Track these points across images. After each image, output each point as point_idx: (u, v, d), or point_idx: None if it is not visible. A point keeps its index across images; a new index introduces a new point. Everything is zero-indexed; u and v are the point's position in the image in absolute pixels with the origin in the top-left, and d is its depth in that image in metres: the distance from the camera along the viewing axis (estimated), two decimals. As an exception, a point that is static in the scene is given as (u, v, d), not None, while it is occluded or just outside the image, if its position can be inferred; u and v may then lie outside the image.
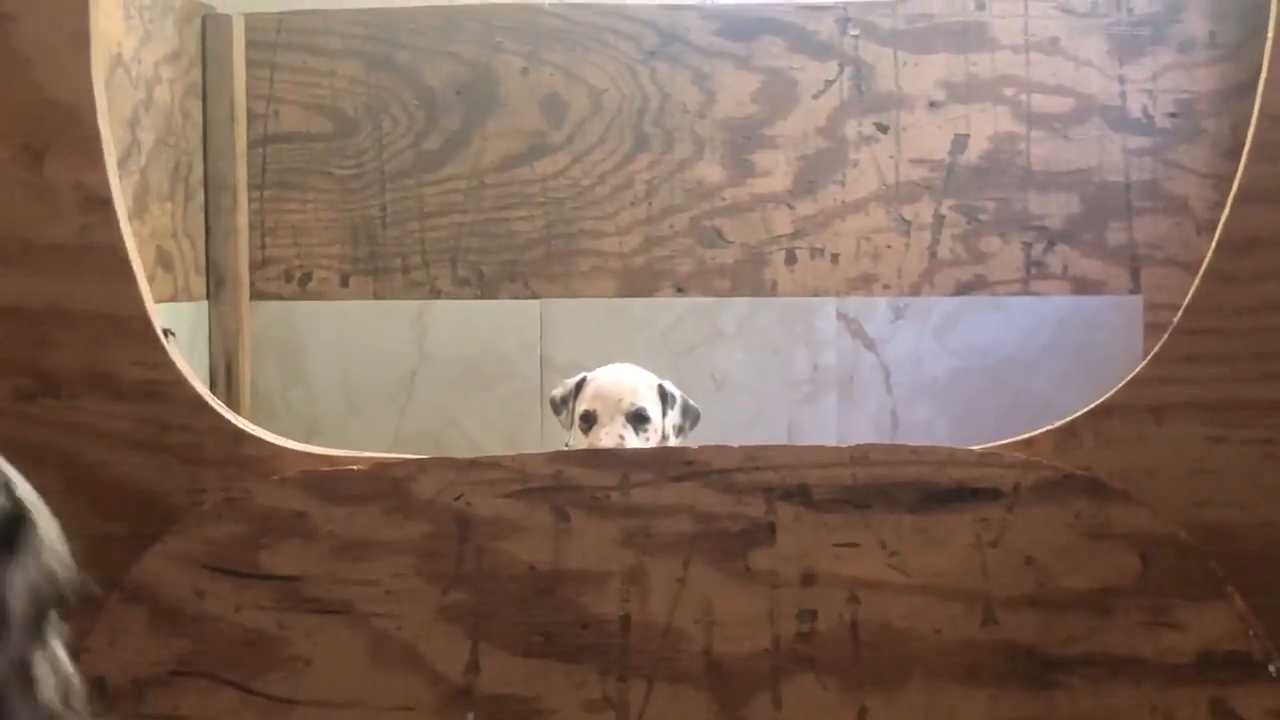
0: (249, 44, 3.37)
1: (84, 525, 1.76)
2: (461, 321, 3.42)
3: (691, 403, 2.87)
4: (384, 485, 1.68)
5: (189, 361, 3.19)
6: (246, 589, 1.66)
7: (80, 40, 1.75)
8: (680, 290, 3.41)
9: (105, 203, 1.77)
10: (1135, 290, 3.30)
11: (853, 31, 3.35)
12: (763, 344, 3.41)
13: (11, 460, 1.80)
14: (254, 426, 1.83)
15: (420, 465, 1.70)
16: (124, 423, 1.79)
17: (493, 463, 1.70)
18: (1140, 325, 3.28)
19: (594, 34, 3.38)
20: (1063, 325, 3.33)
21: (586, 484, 1.68)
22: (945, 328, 3.37)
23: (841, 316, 3.39)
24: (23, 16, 1.76)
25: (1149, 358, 1.77)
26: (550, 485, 1.68)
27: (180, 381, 1.79)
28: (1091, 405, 1.75)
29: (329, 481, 1.69)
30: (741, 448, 1.70)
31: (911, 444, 1.75)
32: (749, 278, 3.39)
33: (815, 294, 3.39)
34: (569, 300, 3.41)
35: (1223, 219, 1.75)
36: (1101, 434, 1.72)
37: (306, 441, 3.41)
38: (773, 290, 3.39)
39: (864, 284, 3.38)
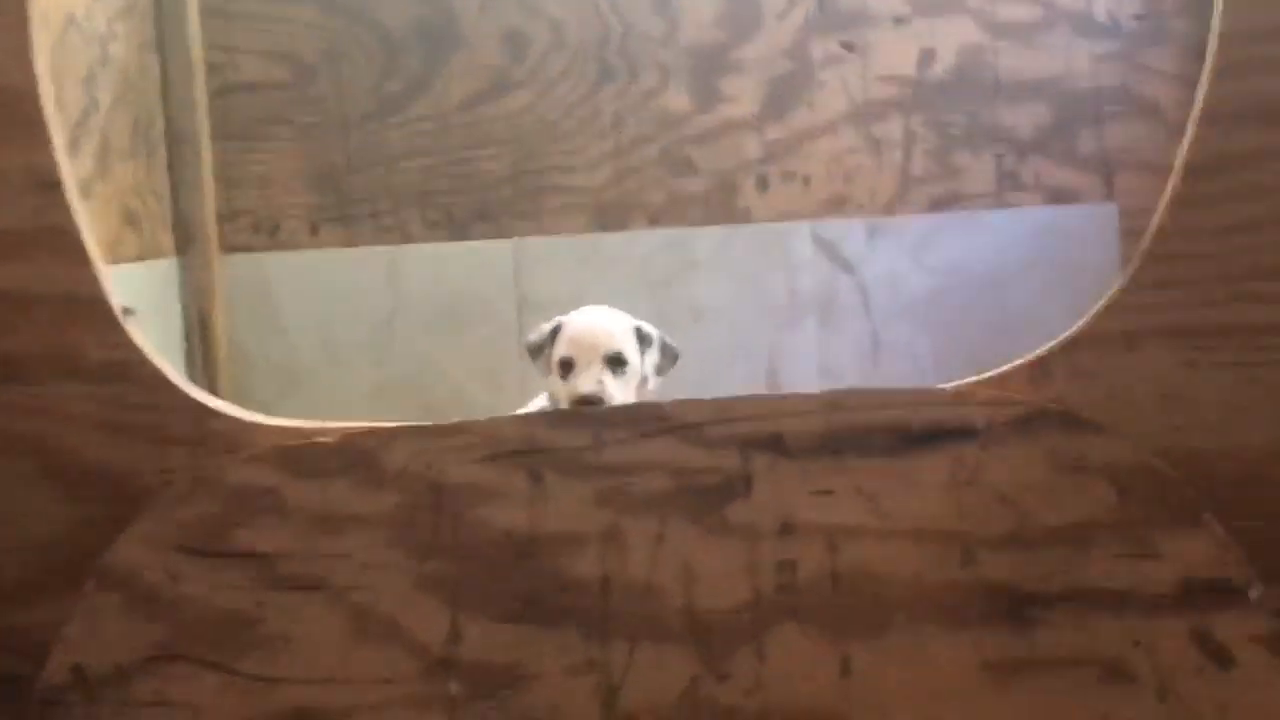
0: (203, -7, 3.32)
1: (58, 510, 1.76)
2: (435, 264, 3.40)
3: (670, 341, 2.84)
4: (354, 457, 1.67)
5: (162, 319, 3.20)
6: (221, 569, 1.65)
7: (19, 21, 1.71)
8: (653, 222, 3.39)
9: (55, 185, 1.74)
10: (1110, 197, 3.29)
11: (813, -48, 3.30)
12: (739, 272, 3.39)
13: (-23, 452, 1.79)
14: (220, 402, 1.81)
15: (390, 434, 1.68)
16: (89, 405, 1.77)
17: (463, 428, 1.69)
18: (1116, 232, 3.26)
19: (552, -35, 3.33)
20: (1039, 237, 3.31)
21: (559, 445, 1.66)
22: (922, 246, 3.36)
23: (817, 240, 3.37)
24: (-43, 1, 1.72)
25: (1118, 286, 1.75)
26: (522, 448, 1.66)
27: (143, 361, 1.77)
28: (1062, 337, 1.74)
29: (299, 456, 1.68)
30: (714, 400, 1.69)
31: (884, 387, 1.74)
32: (722, 206, 3.37)
33: (789, 219, 3.37)
34: (542, 238, 3.39)
35: (1185, 142, 1.72)
36: (1074, 365, 1.71)
37: (286, 394, 3.47)
38: (746, 217, 3.37)
39: (838, 206, 3.36)
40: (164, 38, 3.29)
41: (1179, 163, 1.72)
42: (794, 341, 3.39)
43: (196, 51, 3.30)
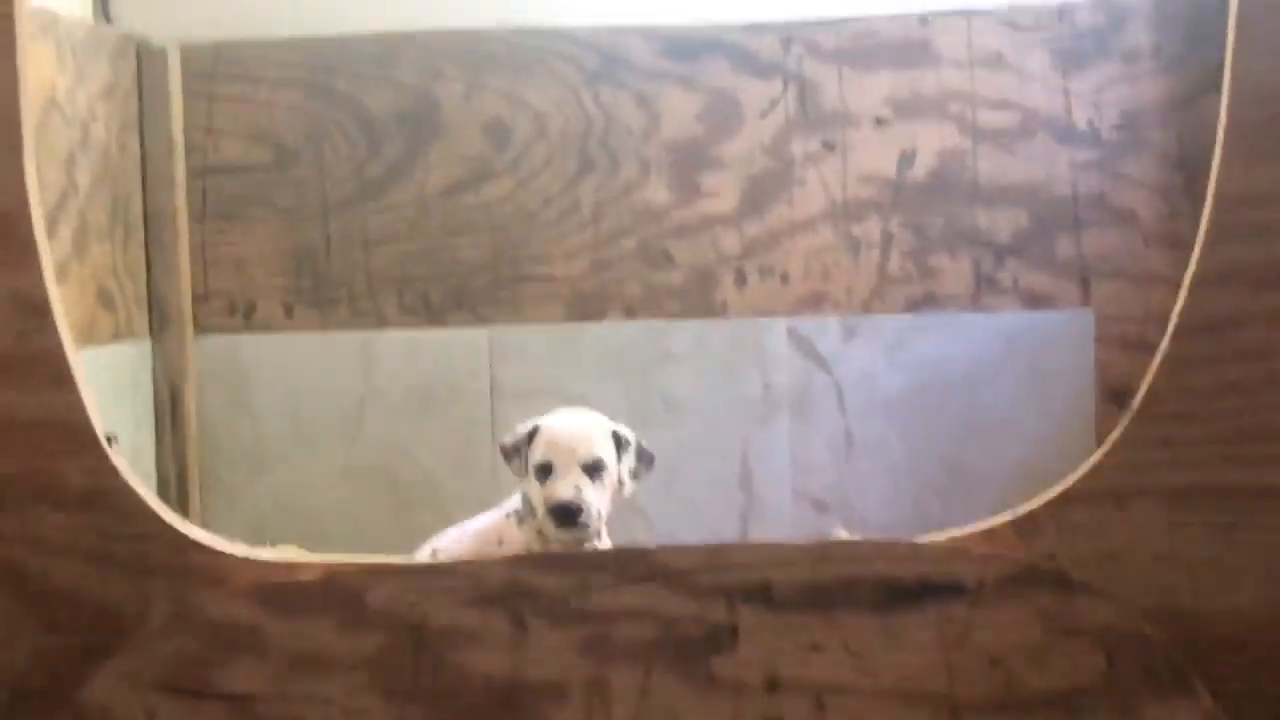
0: (186, 75, 3.29)
1: (31, 638, 1.73)
2: (409, 350, 3.38)
3: (645, 445, 2.83)
4: (337, 595, 1.65)
5: (134, 400, 3.17)
6: (199, 709, 1.62)
7: (13, 145, 1.69)
8: (630, 313, 3.37)
9: (42, 309, 1.72)
10: (1086, 303, 3.30)
11: (796, 50, 3.31)
12: (714, 366, 3.38)
13: (-47, 575, 1.76)
14: (202, 532, 1.78)
15: (373, 573, 1.66)
16: (69, 532, 1.74)
17: (447, 569, 1.67)
18: (1091, 339, 3.28)
19: (536, 57, 3.33)
20: (1014, 340, 3.32)
21: (544, 589, 1.64)
22: (897, 345, 3.35)
23: (793, 336, 3.37)
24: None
25: (1108, 444, 1.75)
26: (507, 592, 1.64)
27: (125, 489, 1.75)
28: (1052, 492, 1.73)
29: (280, 593, 1.65)
30: (702, 546, 1.68)
31: (873, 540, 1.73)
32: (699, 299, 3.37)
33: (766, 314, 3.37)
34: (518, 326, 3.37)
35: (1179, 303, 1.73)
36: (1064, 522, 1.70)
37: (256, 475, 3.44)
38: (723, 311, 3.36)
39: (814, 303, 3.36)
40: (145, 118, 3.27)
41: (1171, 324, 1.72)
42: (768, 437, 3.38)
43: (177, 132, 3.28)
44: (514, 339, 3.38)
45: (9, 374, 1.74)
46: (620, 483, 2.70)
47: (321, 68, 3.33)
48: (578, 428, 2.72)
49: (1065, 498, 1.72)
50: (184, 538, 1.74)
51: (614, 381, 3.31)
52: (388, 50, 3.34)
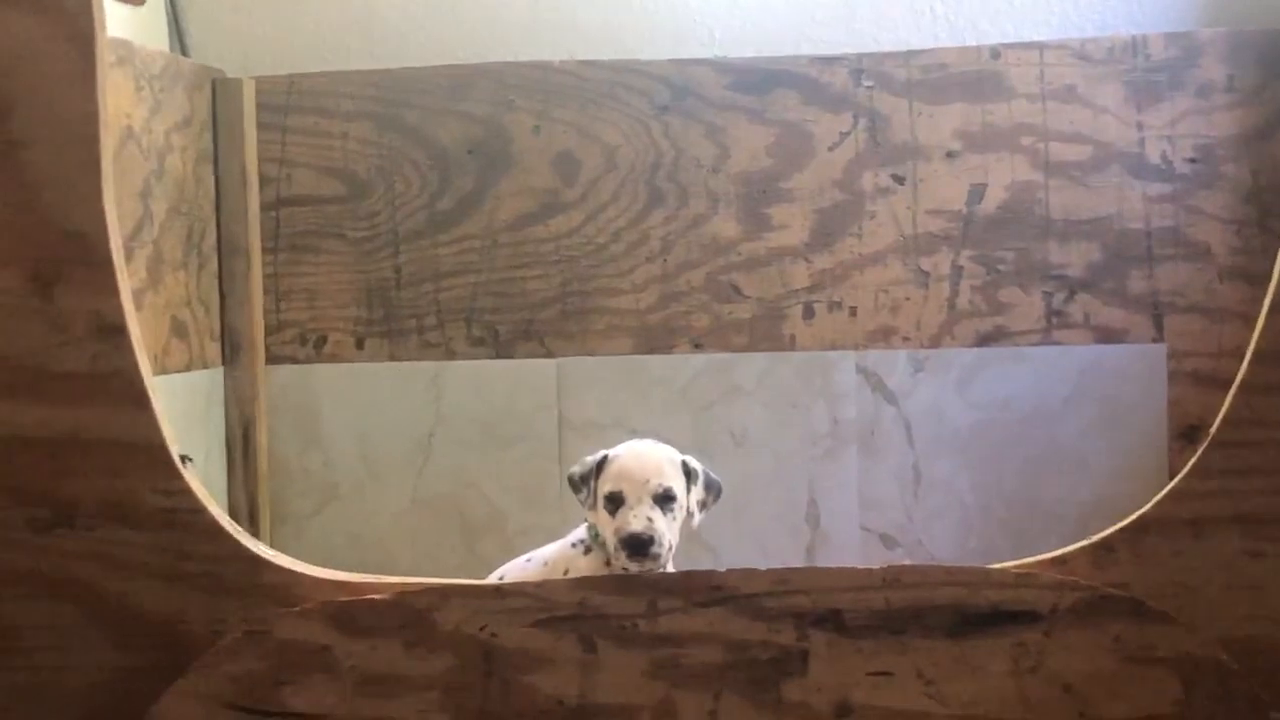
0: (260, 107, 3.34)
1: (103, 658, 1.75)
2: (478, 382, 3.39)
3: (714, 476, 2.82)
4: (407, 615, 1.65)
5: (205, 430, 3.20)
6: (269, 728, 1.62)
7: (91, 167, 1.72)
8: (697, 346, 3.38)
9: (119, 330, 1.74)
10: (1158, 338, 3.27)
11: (867, 83, 3.31)
12: (782, 399, 3.37)
13: (29, 593, 1.78)
14: (274, 553, 1.79)
15: (443, 594, 1.67)
16: (142, 552, 1.76)
17: (516, 590, 1.67)
18: (1164, 374, 3.25)
19: (606, 90, 3.35)
20: (1085, 375, 3.29)
21: (613, 612, 1.64)
22: (966, 380, 3.33)
23: (861, 370, 3.36)
24: (33, 143, 1.73)
25: (1185, 471, 1.73)
26: (576, 614, 1.64)
27: (199, 509, 1.76)
28: (1127, 520, 1.72)
29: (351, 613, 1.66)
30: (771, 571, 1.67)
31: (945, 564, 1.72)
32: (766, 332, 3.36)
33: (834, 348, 3.36)
34: (585, 358, 3.38)
35: (1257, 330, 1.71)
36: (1138, 550, 1.69)
37: (324, 506, 3.47)
38: (791, 345, 3.36)
39: (883, 337, 3.35)
40: (220, 150, 3.32)
41: (1249, 350, 1.71)
42: (834, 471, 3.36)
43: (251, 164, 3.33)
44: (582, 371, 3.39)
45: (86, 394, 1.76)
46: (689, 513, 2.70)
47: (393, 100, 3.37)
48: (648, 458, 2.71)
49: (1140, 525, 1.70)
50: (256, 557, 1.76)
51: (681, 414, 3.31)
52: (458, 82, 3.37)
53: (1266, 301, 1.69)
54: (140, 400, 1.74)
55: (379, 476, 3.40)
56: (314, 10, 3.43)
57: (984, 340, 3.31)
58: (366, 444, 3.40)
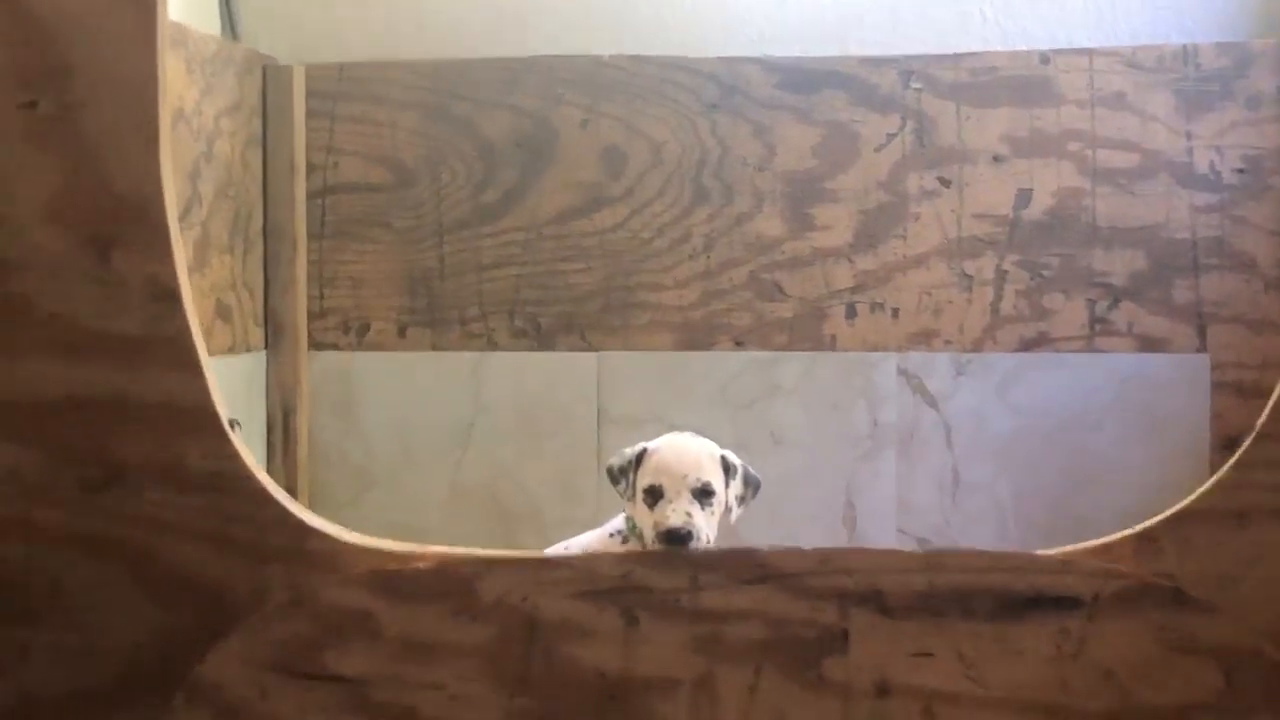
0: (309, 94, 3.37)
1: (148, 618, 1.77)
2: (518, 373, 3.41)
3: (753, 471, 2.82)
4: (450, 584, 1.67)
5: (246, 412, 3.23)
6: (311, 691, 1.64)
7: (150, 132, 1.74)
8: (739, 344, 3.38)
9: (173, 294, 1.76)
10: (1202, 349, 3.26)
11: (915, 85, 3.32)
12: (822, 399, 3.38)
13: (77, 551, 1.80)
14: (319, 519, 1.81)
15: (487, 564, 1.68)
16: (189, 515, 1.78)
17: (561, 562, 1.68)
18: (1207, 384, 3.23)
19: (654, 86, 3.37)
20: (1127, 384, 3.28)
21: (656, 586, 1.65)
22: (1007, 385, 3.33)
23: (902, 372, 3.36)
24: (93, 105, 1.75)
25: (1231, 462, 1.73)
26: (619, 587, 1.65)
27: (246, 474, 1.78)
28: (1172, 510, 1.72)
29: (394, 580, 1.67)
30: (815, 550, 1.68)
31: (989, 549, 1.72)
32: (808, 332, 3.37)
33: (875, 349, 3.36)
34: (626, 353, 3.39)
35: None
36: (1183, 540, 1.69)
37: (363, 493, 3.49)
38: (832, 345, 3.36)
39: (925, 339, 3.35)
40: (269, 135, 3.35)
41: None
42: (873, 472, 3.36)
43: (299, 150, 3.36)
44: (622, 365, 3.40)
45: (139, 357, 1.78)
46: (727, 508, 2.70)
47: (442, 90, 3.39)
48: (688, 452, 2.72)
49: (1185, 515, 1.71)
50: (302, 523, 1.77)
51: (720, 411, 3.31)
52: (508, 75, 3.39)
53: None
54: (192, 365, 1.76)
55: (417, 465, 3.42)
56: (365, -1, 3.47)
57: (1026, 346, 3.31)
58: (406, 432, 3.42)
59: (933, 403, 3.36)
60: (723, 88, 3.35)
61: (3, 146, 1.76)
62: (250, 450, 1.85)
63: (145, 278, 1.76)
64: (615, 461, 2.74)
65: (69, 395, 1.75)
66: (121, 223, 1.76)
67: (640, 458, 2.69)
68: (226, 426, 1.79)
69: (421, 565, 1.67)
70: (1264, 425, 1.71)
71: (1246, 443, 1.72)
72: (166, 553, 1.77)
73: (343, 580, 1.66)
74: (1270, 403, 1.70)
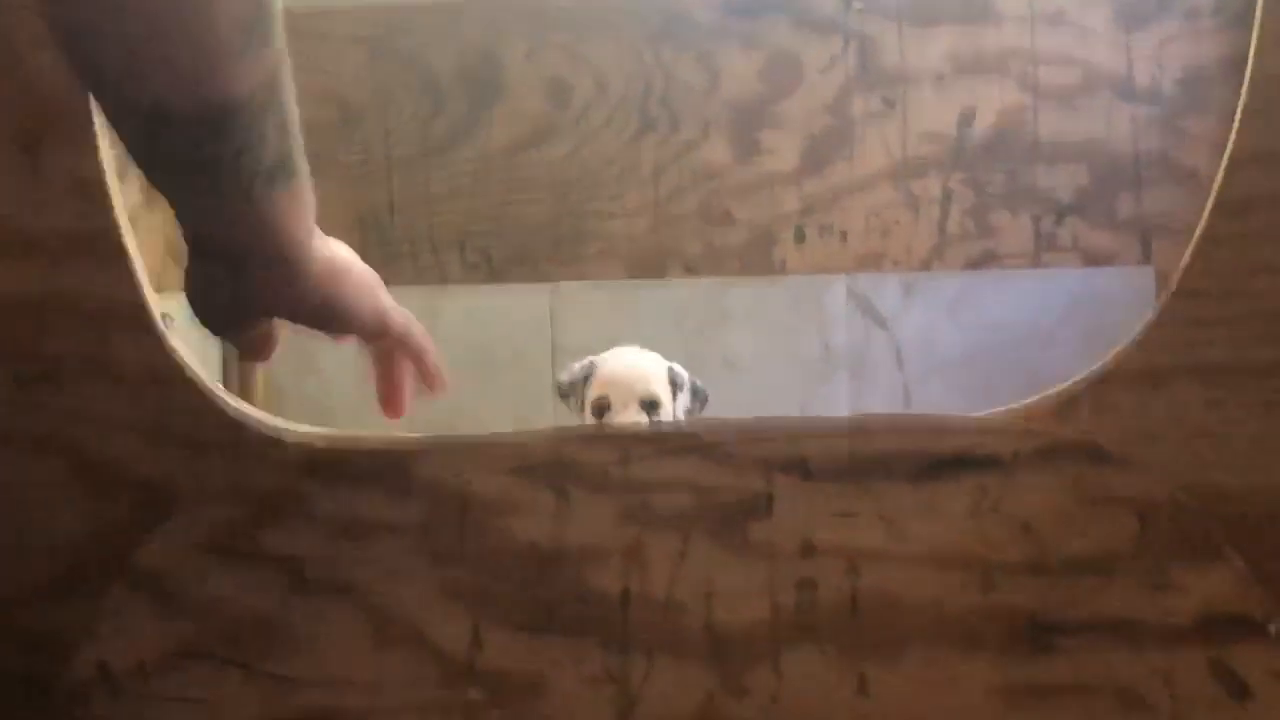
0: (254, 35, 3.38)
1: (87, 511, 1.78)
2: (471, 307, 3.43)
3: (699, 384, 2.87)
4: (385, 465, 1.69)
5: (200, 354, 3.23)
6: (249, 571, 1.67)
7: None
8: (690, 271, 3.41)
9: (99, 188, 1.77)
10: (1146, 261, 3.30)
11: (856, 5, 3.34)
12: (773, 325, 3.42)
13: (14, 449, 1.82)
14: (253, 409, 1.83)
15: (420, 444, 1.71)
16: (124, 409, 1.79)
17: (493, 441, 1.71)
18: (1153, 296, 3.26)
19: (599, 16, 3.39)
20: (1074, 299, 3.32)
21: (586, 460, 1.68)
22: (956, 304, 3.38)
23: (852, 295, 3.40)
24: (17, 9, 1.76)
25: (1144, 325, 1.76)
26: (550, 461, 1.68)
27: (179, 367, 1.79)
28: (1089, 372, 1.75)
29: (329, 463, 1.70)
30: (738, 420, 1.71)
31: (910, 414, 1.75)
32: (758, 257, 3.40)
33: (825, 272, 3.39)
34: (579, 283, 3.42)
35: (1216, 183, 1.74)
36: (1100, 401, 1.71)
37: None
38: (782, 269, 3.40)
39: (874, 261, 3.38)
40: (215, 75, 3.35)
41: (1209, 202, 1.73)
42: (825, 394, 3.40)
43: (246, 90, 3.35)
44: (575, 296, 3.43)
45: (66, 253, 1.79)
46: (675, 420, 2.74)
47: (388, 27, 3.40)
48: (635, 366, 2.76)
49: (1103, 378, 1.73)
50: (237, 413, 1.79)
51: (673, 338, 3.34)
52: (453, 11, 3.40)
53: (1226, 155, 1.72)
54: (120, 259, 1.78)
55: (373, 402, 3.41)
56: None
57: (974, 264, 3.35)
58: (361, 370, 3.42)
59: (882, 324, 3.40)
60: (666, 16, 3.38)
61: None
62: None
63: (70, 173, 1.77)
64: (565, 377, 2.78)
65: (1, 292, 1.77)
66: (46, 122, 1.78)
67: (589, 373, 2.73)
68: (159, 321, 1.80)
69: (356, 448, 1.70)
70: (1177, 286, 1.74)
71: (1160, 305, 1.75)
72: (103, 447, 1.78)
73: (278, 465, 1.69)
74: (1182, 263, 1.74)
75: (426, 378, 1.67)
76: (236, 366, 3.36)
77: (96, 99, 1.34)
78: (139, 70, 1.27)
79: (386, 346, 1.66)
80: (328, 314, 1.50)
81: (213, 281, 1.45)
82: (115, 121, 1.36)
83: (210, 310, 1.48)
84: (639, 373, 2.80)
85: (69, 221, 1.77)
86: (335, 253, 1.50)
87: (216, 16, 1.25)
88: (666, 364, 2.83)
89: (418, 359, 1.67)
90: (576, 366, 2.87)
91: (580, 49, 3.38)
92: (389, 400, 1.68)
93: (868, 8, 3.32)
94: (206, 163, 1.30)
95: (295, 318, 1.50)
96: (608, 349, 2.97)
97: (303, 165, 1.40)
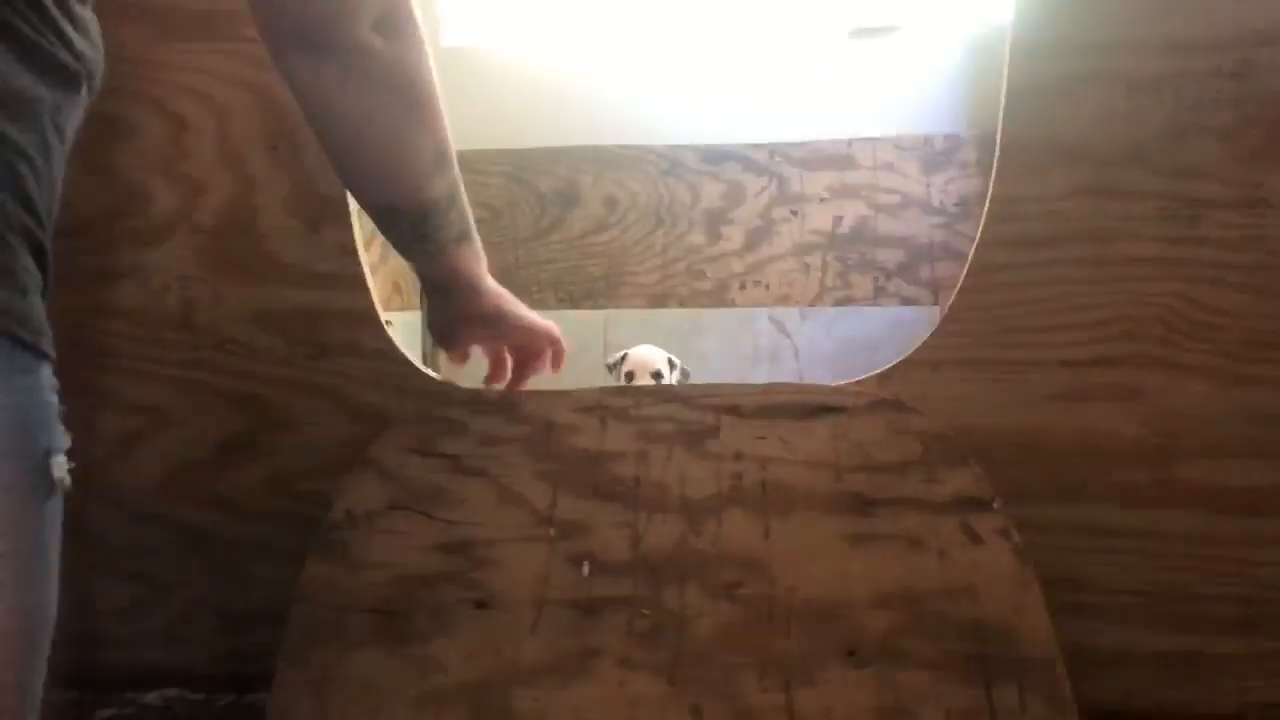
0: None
1: (341, 428, 1.80)
2: (560, 323, 3.41)
3: (686, 368, 2.87)
4: (505, 405, 1.69)
5: (408, 341, 3.23)
6: (430, 461, 1.67)
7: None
8: (680, 304, 3.41)
9: (351, 250, 1.79)
10: (935, 303, 3.28)
11: (777, 159, 3.34)
12: (725, 335, 3.41)
13: (305, 390, 1.83)
14: (436, 374, 1.84)
15: (525, 394, 1.71)
16: (364, 371, 1.81)
17: (566, 394, 1.71)
18: (936, 322, 3.24)
19: (633, 162, 3.39)
20: (895, 323, 3.31)
21: (616, 405, 1.68)
22: (830, 325, 3.36)
23: (771, 319, 3.39)
24: (307, 146, 1.77)
25: (929, 335, 1.77)
26: (596, 404, 1.68)
27: (394, 349, 1.81)
28: (897, 360, 1.75)
29: (473, 402, 1.71)
30: (702, 384, 1.71)
31: (798, 383, 1.75)
32: (719, 297, 3.39)
33: (756, 306, 3.39)
34: (619, 309, 3.42)
35: (969, 260, 1.73)
36: (904, 376, 1.72)
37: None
38: (733, 304, 3.39)
39: (784, 300, 3.37)
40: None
41: (964, 271, 1.73)
42: (755, 376, 3.39)
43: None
44: (619, 318, 3.43)
45: (333, 285, 1.81)
46: (669, 385, 2.73)
47: (516, 164, 3.41)
48: (649, 354, 2.77)
49: (905, 363, 1.74)
50: (426, 376, 1.81)
51: (671, 343, 3.33)
52: (553, 157, 3.41)
53: (974, 245, 1.72)
54: (363, 289, 1.79)
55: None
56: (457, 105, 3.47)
57: (840, 303, 3.33)
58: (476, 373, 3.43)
59: (789, 336, 3.39)
60: (670, 161, 3.37)
61: (253, 165, 1.78)
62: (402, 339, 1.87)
63: (336, 242, 1.79)
64: (610, 361, 2.79)
65: (295, 307, 1.78)
66: (322, 209, 1.79)
67: (623, 358, 2.74)
68: (384, 324, 1.82)
69: (489, 395, 1.70)
70: (947, 315, 1.73)
71: (939, 322, 1.75)
72: (353, 394, 1.80)
73: (448, 403, 1.69)
74: (955, 291, 1.73)
75: (557, 358, 1.64)
76: (432, 357, 3.37)
77: (355, 198, 1.37)
78: (380, 184, 1.30)
79: (517, 344, 1.65)
80: (498, 318, 1.53)
81: (436, 311, 1.49)
82: (366, 210, 1.38)
83: (437, 328, 1.52)
84: (651, 359, 2.81)
85: (334, 267, 1.79)
86: (499, 287, 1.55)
87: (422, 153, 1.28)
88: (666, 355, 2.84)
89: (555, 343, 1.66)
90: (616, 355, 2.88)
91: (623, 179, 3.38)
92: (511, 385, 1.66)
93: (783, 160, 3.32)
94: (424, 235, 1.33)
95: (480, 323, 1.52)
96: (634, 347, 2.96)
97: (475, 234, 1.44)
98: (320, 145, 1.27)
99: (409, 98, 1.21)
